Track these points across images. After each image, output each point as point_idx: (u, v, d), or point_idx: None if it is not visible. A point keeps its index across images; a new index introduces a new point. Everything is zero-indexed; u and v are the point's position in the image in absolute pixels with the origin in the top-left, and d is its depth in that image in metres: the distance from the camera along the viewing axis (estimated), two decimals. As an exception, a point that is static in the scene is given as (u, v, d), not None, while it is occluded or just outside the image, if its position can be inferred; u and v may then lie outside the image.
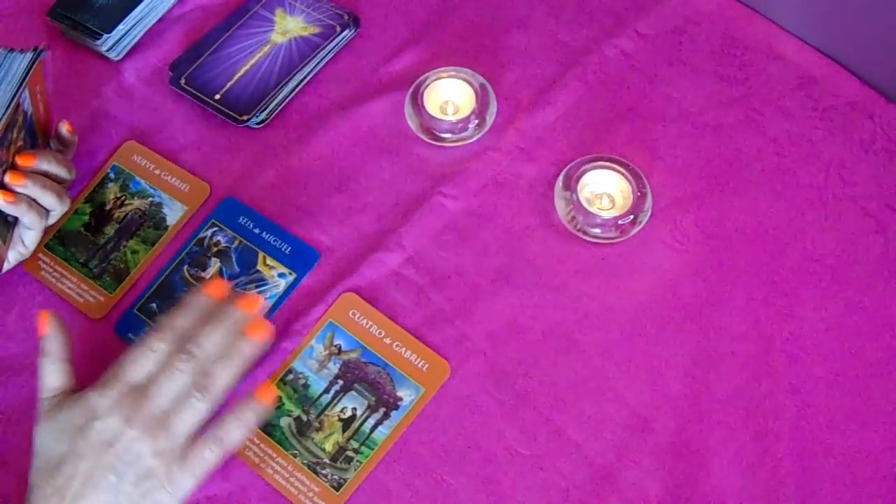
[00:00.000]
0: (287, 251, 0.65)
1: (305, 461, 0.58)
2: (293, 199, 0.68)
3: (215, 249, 0.65)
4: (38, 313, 0.56)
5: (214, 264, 0.65)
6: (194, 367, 0.52)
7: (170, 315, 0.54)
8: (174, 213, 0.68)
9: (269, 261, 0.65)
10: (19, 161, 0.60)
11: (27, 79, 0.59)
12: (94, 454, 0.50)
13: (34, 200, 0.60)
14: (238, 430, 0.53)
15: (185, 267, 0.65)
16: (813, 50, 0.71)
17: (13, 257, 0.63)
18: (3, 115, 0.57)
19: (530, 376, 0.60)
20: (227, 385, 0.53)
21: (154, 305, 0.64)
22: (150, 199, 0.69)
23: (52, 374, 0.54)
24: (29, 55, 0.60)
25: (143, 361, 0.52)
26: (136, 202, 0.69)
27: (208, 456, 0.52)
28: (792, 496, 0.55)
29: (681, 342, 0.61)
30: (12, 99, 0.58)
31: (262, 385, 0.55)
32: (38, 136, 0.64)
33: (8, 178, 0.58)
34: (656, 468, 0.57)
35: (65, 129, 0.66)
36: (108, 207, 0.69)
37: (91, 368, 0.60)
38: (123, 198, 0.69)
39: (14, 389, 0.62)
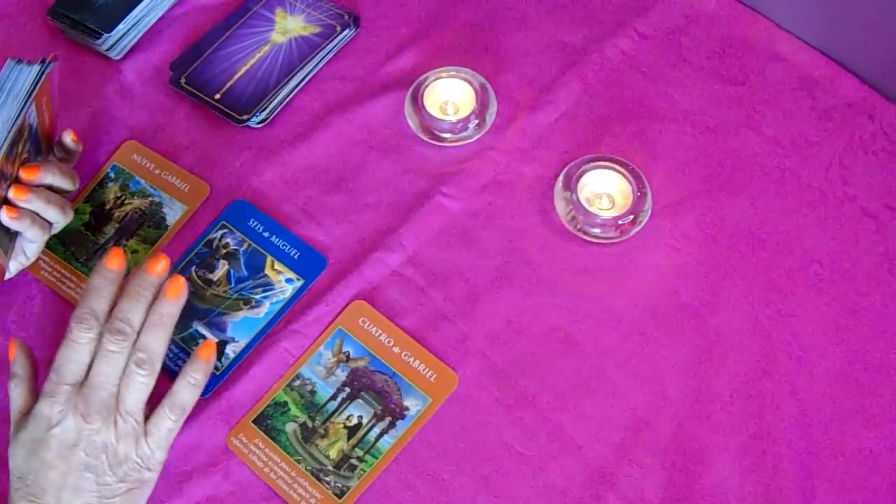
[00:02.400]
0: (295, 256, 0.65)
1: (309, 467, 0.58)
2: (293, 198, 0.68)
3: (224, 252, 0.65)
4: (9, 341, 0.57)
5: (223, 266, 0.65)
6: (127, 344, 0.53)
7: (83, 301, 0.54)
8: (174, 213, 0.68)
9: (277, 265, 0.64)
10: (23, 174, 0.58)
11: (34, 94, 0.58)
12: (61, 460, 0.52)
13: (37, 214, 0.59)
14: (190, 392, 0.55)
15: (194, 268, 0.65)
16: (813, 50, 0.71)
17: (14, 267, 0.62)
18: (10, 130, 0.56)
19: (530, 376, 0.60)
20: (163, 351, 0.55)
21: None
22: (150, 198, 0.69)
23: (20, 396, 0.55)
24: (36, 68, 0.58)
25: (75, 357, 0.53)
26: (136, 202, 0.69)
27: (170, 425, 0.54)
28: (792, 496, 0.55)
29: (681, 342, 0.61)
30: (19, 114, 0.57)
31: (203, 343, 0.56)
32: (42, 144, 0.63)
33: (12, 193, 0.57)
34: (656, 468, 0.57)
35: (69, 138, 0.65)
36: (108, 207, 0.69)
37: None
38: (123, 197, 0.69)
39: (14, 389, 0.62)
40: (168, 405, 0.54)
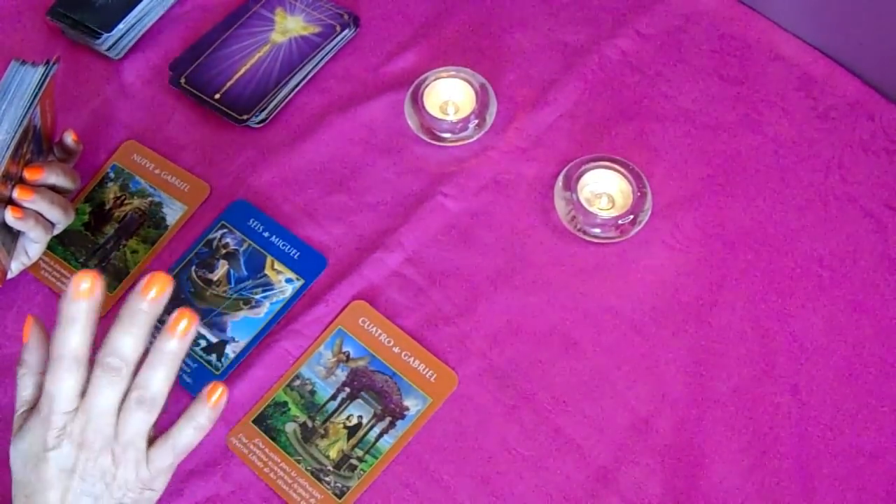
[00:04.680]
0: (295, 256, 0.65)
1: (309, 467, 0.58)
2: (293, 198, 0.68)
3: (224, 252, 0.65)
4: (26, 318, 0.52)
5: (222, 266, 0.65)
6: (121, 379, 0.48)
7: (57, 338, 0.47)
8: (174, 213, 0.68)
9: (277, 265, 0.64)
10: (28, 175, 0.59)
11: (40, 95, 0.58)
12: (59, 483, 0.49)
13: (41, 215, 0.60)
14: (193, 435, 0.50)
15: (194, 268, 0.65)
16: (813, 50, 0.71)
17: (16, 267, 0.62)
18: (17, 132, 0.56)
19: (530, 376, 0.60)
20: (167, 389, 0.48)
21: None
22: (150, 198, 0.69)
23: (26, 388, 0.51)
24: (41, 69, 0.58)
25: (65, 390, 0.48)
26: (136, 202, 0.69)
27: (170, 460, 0.50)
28: (792, 496, 0.55)
29: (681, 342, 0.61)
30: (25, 115, 0.57)
31: (211, 386, 0.50)
32: (43, 145, 0.64)
33: (17, 194, 0.58)
34: (656, 468, 0.57)
35: (70, 138, 0.65)
36: (107, 207, 0.69)
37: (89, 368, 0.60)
38: (123, 197, 0.69)
39: (14, 389, 0.61)
40: (171, 444, 0.50)
